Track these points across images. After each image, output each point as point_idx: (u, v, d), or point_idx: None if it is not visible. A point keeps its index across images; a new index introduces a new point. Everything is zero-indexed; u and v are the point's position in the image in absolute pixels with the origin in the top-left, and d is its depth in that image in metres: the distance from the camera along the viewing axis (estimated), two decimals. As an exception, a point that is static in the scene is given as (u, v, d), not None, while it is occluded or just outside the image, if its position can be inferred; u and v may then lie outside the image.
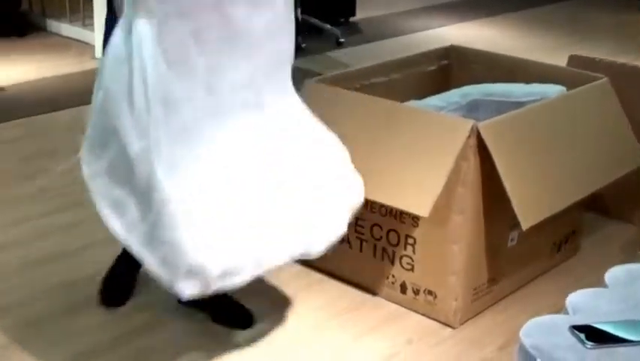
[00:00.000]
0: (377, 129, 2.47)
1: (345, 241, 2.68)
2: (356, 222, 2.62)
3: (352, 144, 2.48)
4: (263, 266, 1.98)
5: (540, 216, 2.39)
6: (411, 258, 2.52)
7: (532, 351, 1.52)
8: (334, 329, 2.45)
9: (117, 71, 1.86)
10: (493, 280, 2.56)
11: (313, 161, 2.13)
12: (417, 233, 2.48)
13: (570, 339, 1.56)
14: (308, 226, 2.06)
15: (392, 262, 2.57)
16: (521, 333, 1.60)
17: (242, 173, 1.98)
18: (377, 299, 2.63)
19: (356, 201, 2.18)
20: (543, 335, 1.58)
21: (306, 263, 2.81)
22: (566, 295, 1.74)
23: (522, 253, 2.64)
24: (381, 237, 2.58)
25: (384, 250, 2.59)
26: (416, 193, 2.32)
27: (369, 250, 2.63)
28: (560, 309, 1.73)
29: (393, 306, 2.59)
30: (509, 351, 2.32)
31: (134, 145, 1.85)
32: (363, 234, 2.63)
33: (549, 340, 1.56)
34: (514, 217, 2.30)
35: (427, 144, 2.36)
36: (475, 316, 2.54)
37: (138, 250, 1.88)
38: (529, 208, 2.35)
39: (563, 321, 1.64)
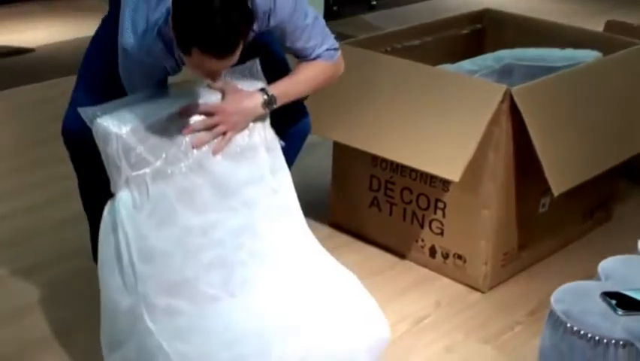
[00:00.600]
0: (409, 93, 2.45)
1: (374, 204, 2.68)
2: (386, 186, 2.62)
3: (383, 108, 2.47)
4: None
5: (572, 183, 2.37)
6: (441, 222, 2.51)
7: (563, 317, 1.52)
8: (363, 292, 2.46)
9: (106, 240, 1.91)
10: (523, 246, 2.55)
11: (328, 301, 2.02)
12: (447, 197, 2.47)
13: (601, 305, 1.55)
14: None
15: (422, 226, 2.57)
16: (552, 298, 1.59)
17: (245, 317, 1.93)
18: (405, 263, 2.63)
19: (380, 339, 2.02)
20: (574, 301, 1.57)
21: (335, 225, 2.82)
22: (598, 262, 1.73)
23: (553, 219, 2.62)
24: (411, 200, 2.58)
25: (413, 213, 2.58)
26: (447, 158, 2.31)
27: (398, 214, 2.63)
28: (592, 276, 1.73)
29: (422, 270, 2.59)
30: (539, 317, 2.31)
31: (123, 302, 1.87)
32: (393, 197, 2.62)
33: (580, 306, 1.55)
34: (545, 183, 2.28)
35: (459, 108, 2.34)
36: (505, 281, 2.53)
37: None
38: (561, 174, 2.33)
39: (594, 287, 1.63)
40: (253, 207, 2.02)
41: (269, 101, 1.99)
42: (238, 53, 1.76)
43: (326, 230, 2.82)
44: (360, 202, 2.72)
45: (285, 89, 2.03)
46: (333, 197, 2.85)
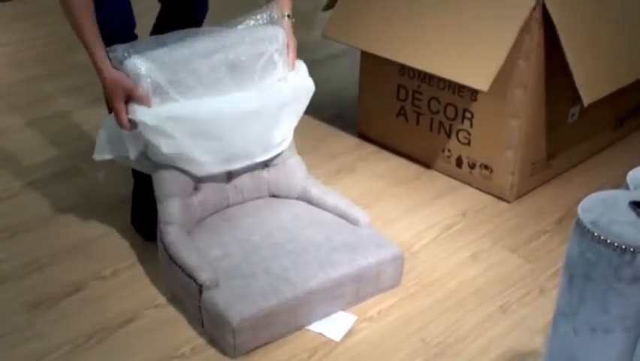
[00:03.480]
0: (438, 0, 2.41)
1: (401, 114, 2.67)
2: (413, 96, 2.61)
3: (412, 16, 2.44)
4: None
5: (602, 92, 2.34)
6: (468, 132, 2.51)
7: (590, 226, 1.52)
8: (390, 200, 2.48)
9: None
10: (552, 156, 2.55)
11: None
12: (475, 107, 2.46)
13: (629, 215, 1.55)
14: None
15: (449, 136, 2.57)
16: (579, 208, 1.59)
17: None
18: (431, 172, 2.64)
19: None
20: (601, 210, 1.57)
21: (362, 136, 2.83)
22: (627, 171, 1.72)
23: (583, 129, 2.60)
24: (438, 110, 2.56)
25: (441, 123, 2.57)
26: (476, 67, 2.28)
27: (425, 124, 2.62)
28: (621, 185, 1.72)
29: (448, 179, 2.60)
30: (566, 224, 2.32)
31: None
32: (420, 107, 2.61)
33: (607, 215, 1.55)
34: (575, 93, 2.26)
35: (490, 15, 2.30)
36: (533, 190, 2.54)
37: None
38: (592, 84, 2.30)
39: (622, 196, 1.62)
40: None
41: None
42: None
43: (353, 140, 2.83)
44: (388, 112, 2.72)
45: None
46: (360, 107, 2.84)
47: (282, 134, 2.18)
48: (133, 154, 2.00)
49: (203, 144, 2.02)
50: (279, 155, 2.22)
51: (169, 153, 1.98)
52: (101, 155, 2.08)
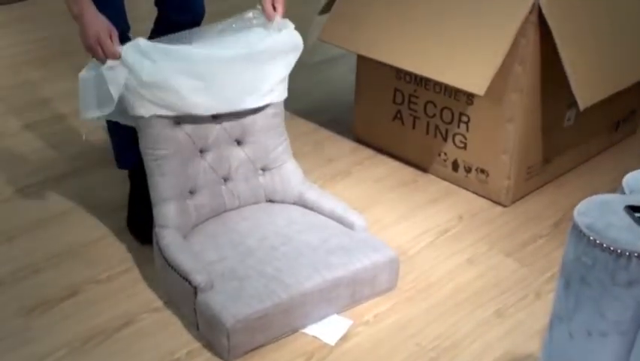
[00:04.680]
0: (434, 5, 2.41)
1: (398, 118, 2.68)
2: (410, 100, 2.61)
3: (408, 20, 2.44)
4: None
5: (598, 96, 2.35)
6: (464, 136, 2.51)
7: (586, 230, 1.52)
8: (387, 204, 2.48)
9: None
10: (548, 160, 2.55)
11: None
12: (471, 111, 2.46)
13: (625, 219, 1.55)
14: None
15: (445, 140, 2.57)
16: (575, 212, 1.59)
17: None
18: (428, 176, 2.64)
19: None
20: (597, 214, 1.57)
21: (358, 140, 2.83)
22: (623, 175, 1.72)
23: (578, 133, 2.61)
24: (434, 114, 2.57)
25: (437, 127, 2.58)
26: (472, 71, 2.29)
27: (421, 128, 2.62)
28: (617, 188, 1.72)
29: (444, 183, 2.60)
30: (562, 229, 2.33)
31: None
32: (416, 111, 2.61)
33: (603, 219, 1.55)
34: (571, 97, 2.26)
35: (485, 19, 2.30)
36: (529, 194, 2.54)
37: None
38: (588, 88, 2.30)
39: (618, 200, 1.62)
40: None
41: None
42: None
43: (349, 144, 2.83)
44: (384, 116, 2.72)
45: None
46: (356, 111, 2.84)
47: (271, 83, 2.18)
48: (115, 94, 1.99)
49: (189, 82, 2.03)
50: (275, 160, 2.22)
51: (149, 80, 1.98)
52: (87, 114, 2.08)
